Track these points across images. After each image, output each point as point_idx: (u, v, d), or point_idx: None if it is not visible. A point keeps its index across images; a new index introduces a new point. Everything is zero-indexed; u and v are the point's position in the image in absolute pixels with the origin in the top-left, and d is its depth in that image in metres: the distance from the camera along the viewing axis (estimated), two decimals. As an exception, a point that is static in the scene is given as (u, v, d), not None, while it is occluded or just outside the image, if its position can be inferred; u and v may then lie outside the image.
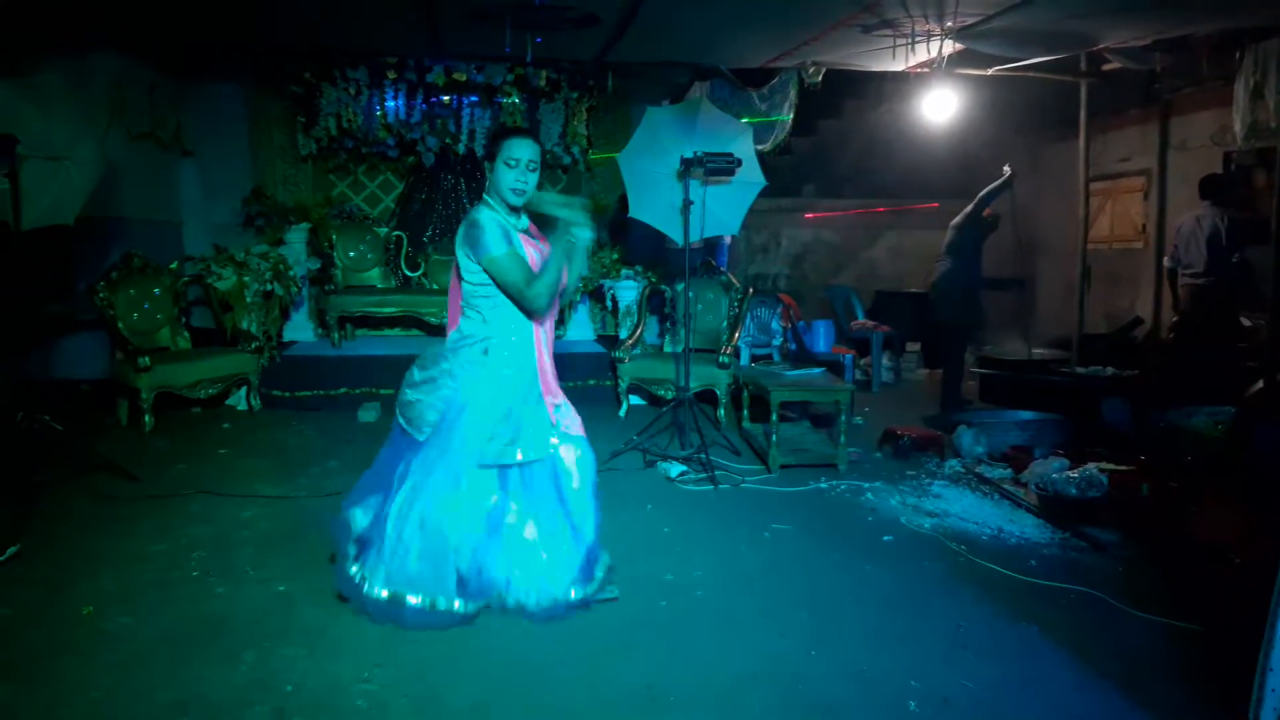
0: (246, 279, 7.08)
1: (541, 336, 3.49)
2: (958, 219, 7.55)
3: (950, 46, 6.57)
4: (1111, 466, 4.82)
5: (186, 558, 3.98)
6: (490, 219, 3.36)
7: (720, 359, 6.84)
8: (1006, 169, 7.57)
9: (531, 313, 3.40)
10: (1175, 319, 6.10)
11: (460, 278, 3.45)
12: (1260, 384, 4.97)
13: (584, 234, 3.37)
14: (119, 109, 7.04)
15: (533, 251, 3.44)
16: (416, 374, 3.55)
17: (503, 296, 3.37)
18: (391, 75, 7.96)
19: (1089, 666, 3.04)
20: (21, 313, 5.83)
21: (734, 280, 7.53)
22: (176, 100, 8.13)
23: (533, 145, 3.42)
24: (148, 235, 7.54)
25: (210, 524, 4.43)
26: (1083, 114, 8.21)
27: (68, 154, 5.38)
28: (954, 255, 7.44)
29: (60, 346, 7.19)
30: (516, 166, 3.36)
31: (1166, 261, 7.57)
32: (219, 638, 3.20)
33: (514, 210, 3.45)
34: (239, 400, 7.07)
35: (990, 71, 7.47)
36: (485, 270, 3.33)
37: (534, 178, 3.41)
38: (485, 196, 3.47)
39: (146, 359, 6.26)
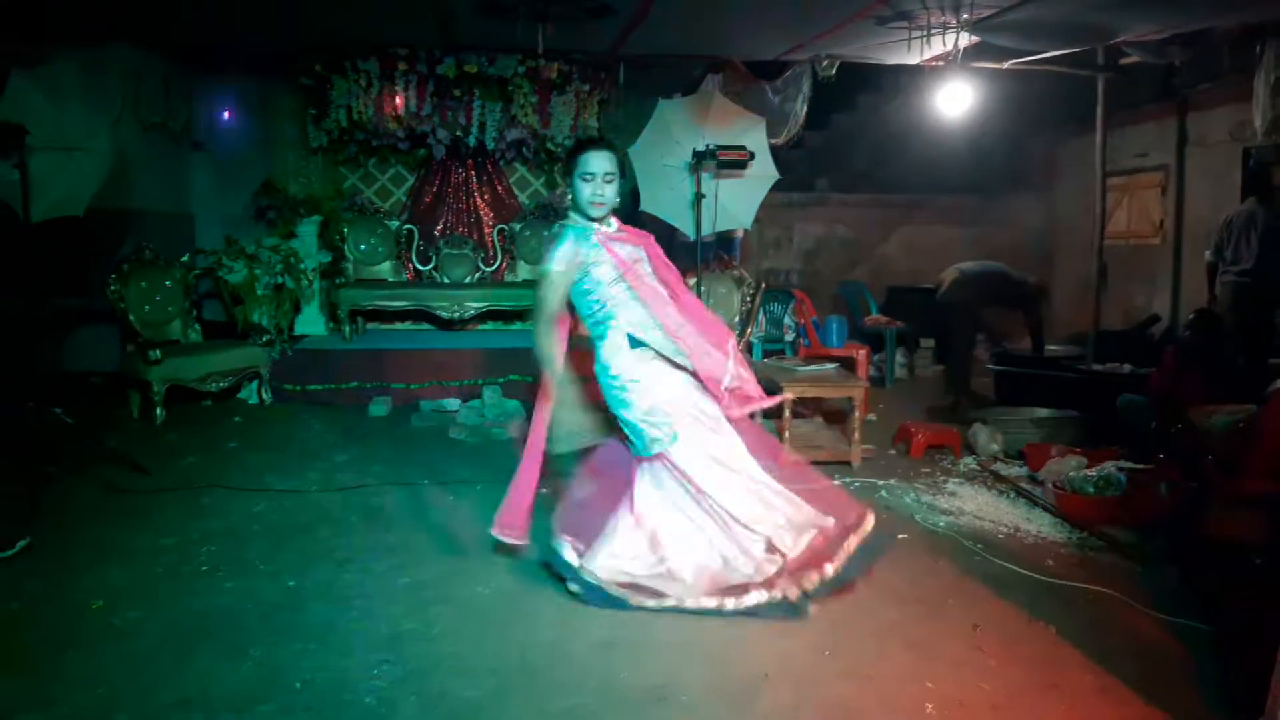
0: (258, 272, 7.07)
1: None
2: (972, 268, 7.45)
3: (966, 39, 6.50)
4: (1130, 465, 4.75)
5: (196, 551, 3.96)
6: (566, 235, 3.45)
7: (732, 354, 6.78)
8: (1034, 279, 7.63)
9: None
10: (1191, 316, 5.98)
11: None
12: (1280, 382, 4.89)
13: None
14: (132, 100, 7.03)
15: (620, 250, 3.47)
16: None
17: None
18: (402, 67, 7.92)
19: (1108, 669, 2.99)
20: (33, 305, 5.81)
21: (746, 275, 7.48)
22: (188, 92, 8.12)
23: (608, 157, 3.46)
24: (159, 228, 7.53)
25: (221, 517, 4.42)
26: (1099, 109, 8.13)
27: (79, 145, 5.35)
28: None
29: (72, 339, 7.19)
30: (593, 180, 3.43)
31: (1208, 256, 7.34)
32: (227, 633, 3.19)
33: (594, 220, 3.50)
34: (250, 394, 7.07)
35: (1006, 65, 7.38)
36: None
37: (612, 189, 3.45)
38: (569, 212, 3.57)
39: (157, 352, 6.25)
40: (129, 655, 3.02)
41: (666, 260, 3.64)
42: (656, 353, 3.50)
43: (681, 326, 3.51)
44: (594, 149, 3.48)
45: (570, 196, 3.51)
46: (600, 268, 3.46)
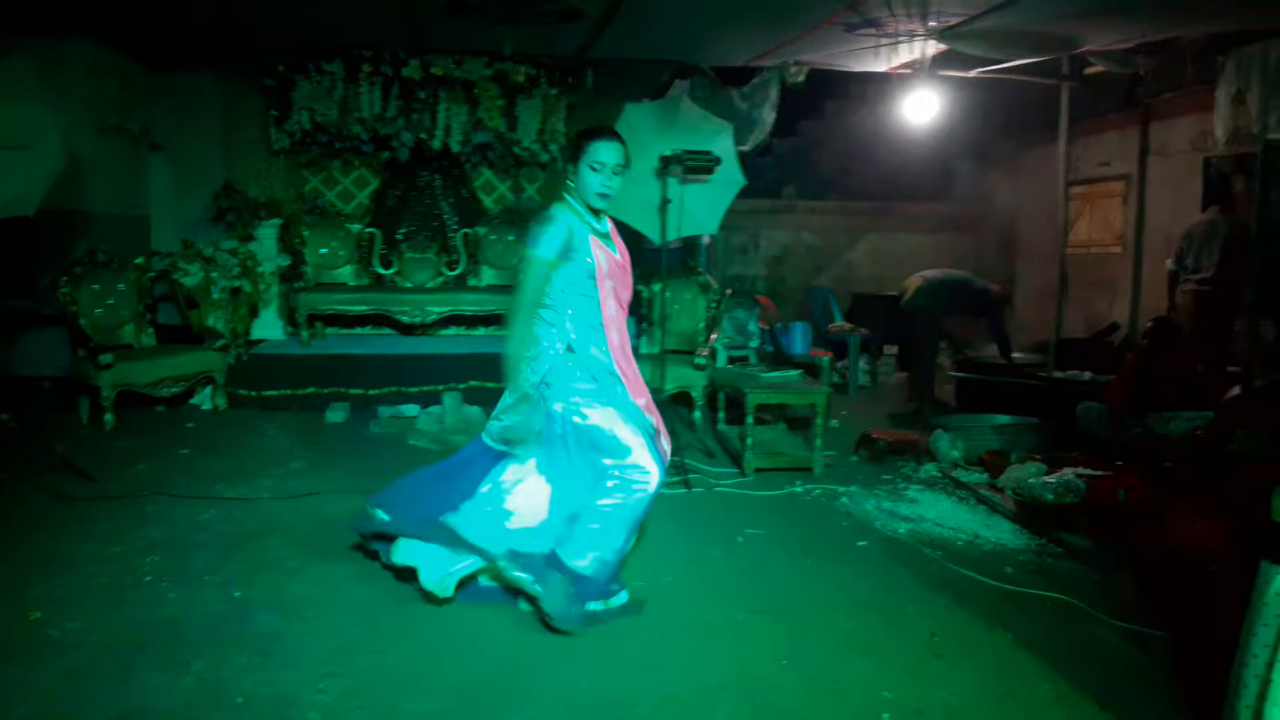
0: (214, 275, 6.95)
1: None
2: (936, 276, 7.47)
3: (934, 47, 6.53)
4: (1089, 472, 4.76)
5: (141, 561, 3.85)
6: (561, 219, 3.32)
7: (696, 360, 6.75)
8: (995, 286, 7.64)
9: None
10: (1149, 323, 6.03)
11: None
12: (1237, 390, 4.93)
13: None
14: (89, 100, 6.88)
15: (601, 255, 3.38)
16: None
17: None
18: (367, 68, 7.84)
19: (1065, 677, 2.97)
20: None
21: (712, 281, 7.46)
22: (148, 92, 7.97)
23: (620, 148, 3.34)
24: (114, 230, 7.38)
25: (168, 526, 4.30)
26: (1063, 118, 8.19)
27: (31, 144, 5.23)
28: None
29: (22, 342, 7.02)
30: (602, 170, 3.31)
31: (1170, 264, 7.41)
32: (169, 645, 3.09)
33: (595, 212, 3.41)
34: (204, 399, 6.93)
35: (973, 73, 7.43)
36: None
37: (619, 181, 3.35)
38: (565, 195, 3.42)
39: (108, 356, 6.12)
40: (67, 668, 2.92)
41: (629, 282, 3.58)
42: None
43: (624, 354, 3.49)
44: (606, 138, 3.35)
45: (573, 182, 3.38)
46: (577, 263, 3.36)
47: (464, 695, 2.80)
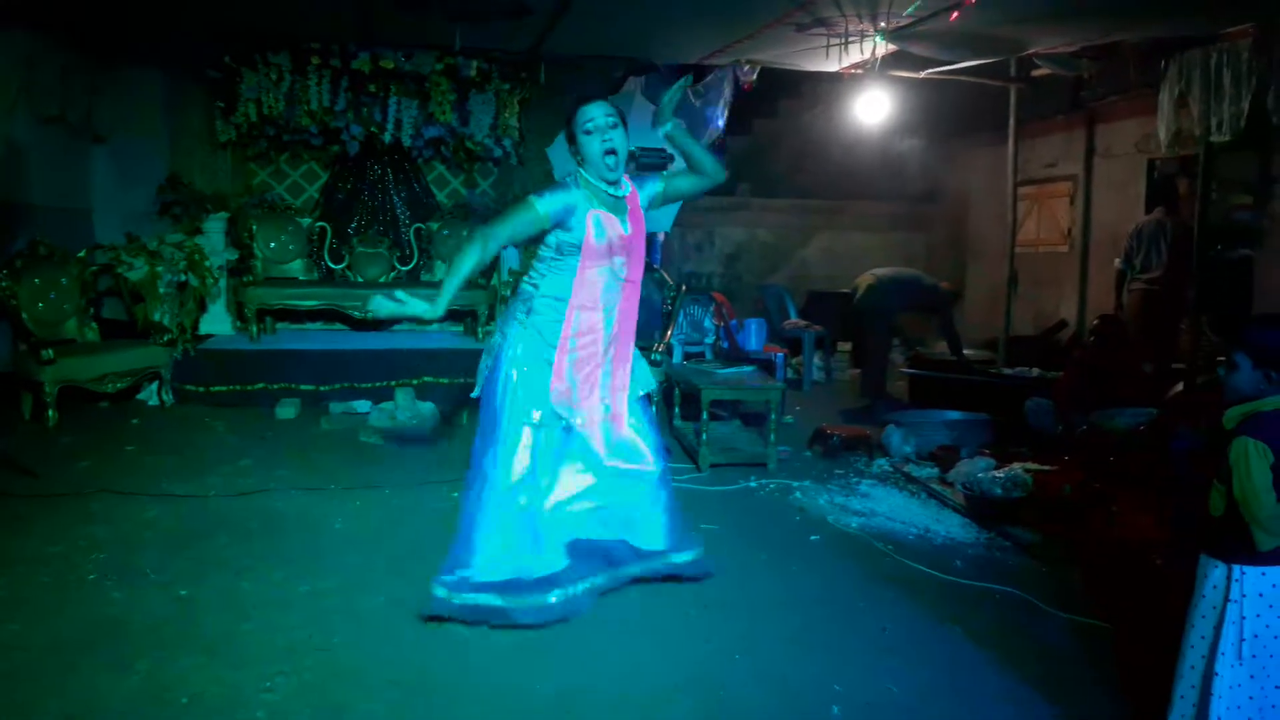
0: (159, 269, 6.79)
1: None
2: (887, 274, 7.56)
3: (883, 48, 6.59)
4: (1036, 467, 4.85)
5: (84, 560, 3.77)
6: (573, 192, 3.24)
7: (652, 356, 6.76)
8: (945, 284, 7.76)
9: None
10: (1095, 321, 6.15)
11: None
12: (1180, 386, 5.05)
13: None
14: (25, 89, 6.70)
15: (601, 229, 3.25)
16: None
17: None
18: (315, 61, 7.72)
19: (1013, 670, 3.02)
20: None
21: (667, 278, 7.47)
22: (89, 83, 7.76)
23: (604, 104, 3.26)
24: (56, 223, 7.18)
25: (112, 524, 4.21)
26: (1011, 119, 8.32)
27: (-36, 133, 5.09)
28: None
29: (-42, 337, 6.82)
30: (597, 130, 3.21)
31: (1118, 263, 7.55)
32: (113, 645, 3.03)
33: (612, 183, 3.30)
34: (150, 395, 6.79)
35: (922, 74, 7.51)
36: None
37: (617, 134, 3.22)
38: (579, 172, 3.31)
39: (50, 351, 5.96)
40: (6, 671, 2.84)
41: (639, 260, 3.44)
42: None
43: (596, 340, 3.39)
44: (588, 101, 3.27)
45: (578, 161, 3.29)
46: (569, 235, 3.25)
47: (415, 694, 2.77)
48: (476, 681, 2.86)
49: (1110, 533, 4.28)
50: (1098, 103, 8.90)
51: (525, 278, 3.44)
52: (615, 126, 3.23)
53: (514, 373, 3.29)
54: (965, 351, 7.97)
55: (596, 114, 3.22)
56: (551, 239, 3.28)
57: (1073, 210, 9.49)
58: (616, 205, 3.33)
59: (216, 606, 3.35)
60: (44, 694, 2.71)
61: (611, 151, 3.22)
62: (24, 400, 6.18)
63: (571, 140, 3.29)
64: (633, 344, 3.53)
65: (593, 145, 3.22)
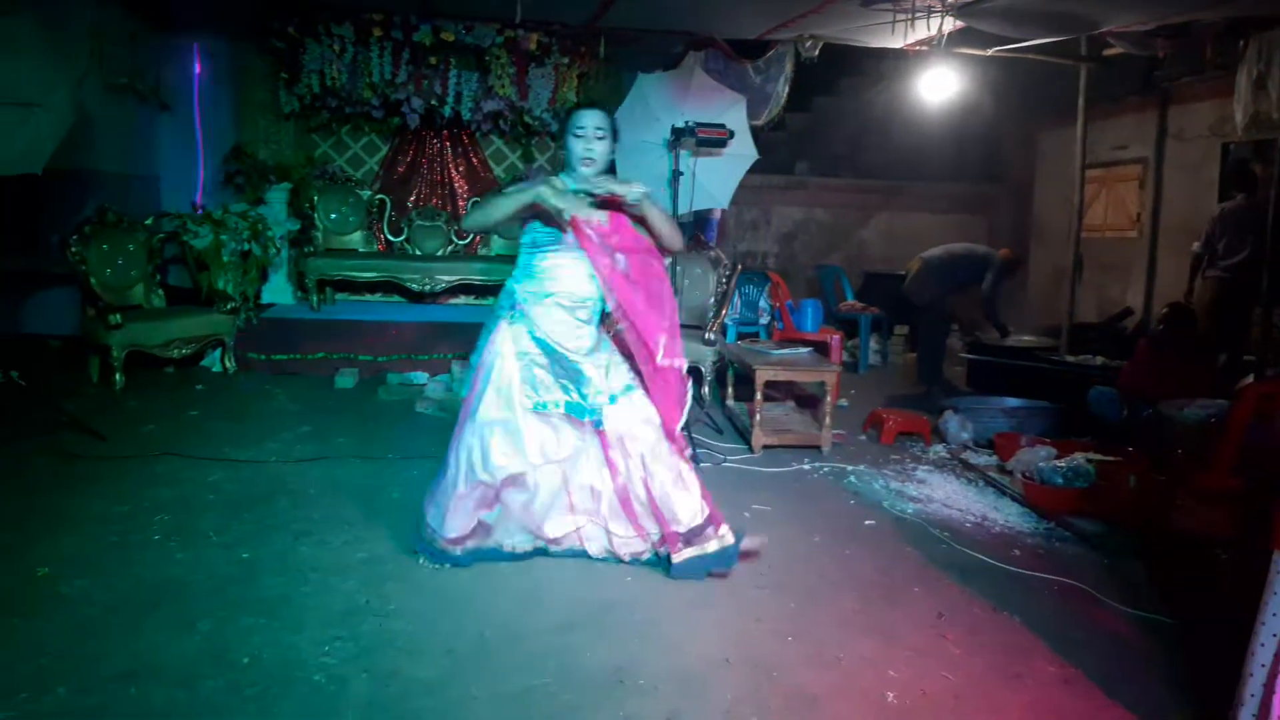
0: (224, 238, 6.92)
1: None
2: (935, 255, 7.38)
3: (951, 24, 6.43)
4: (1099, 457, 4.73)
5: (149, 521, 3.86)
6: (553, 182, 3.41)
7: (706, 336, 6.72)
8: (1002, 251, 7.49)
9: None
10: (1165, 309, 5.97)
11: None
12: (1252, 378, 4.90)
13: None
14: (97, 58, 6.82)
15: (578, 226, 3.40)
16: None
17: None
18: (377, 33, 7.76)
19: (1072, 661, 2.96)
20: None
21: (723, 256, 7.41)
22: (158, 52, 7.91)
23: (599, 114, 3.49)
24: (124, 190, 7.34)
25: (176, 486, 4.31)
26: (1081, 99, 8.08)
27: (38, 101, 5.18)
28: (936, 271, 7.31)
29: (30, 300, 7.01)
30: (583, 136, 3.43)
31: (1196, 247, 7.32)
32: (176, 604, 3.10)
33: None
34: (214, 361, 6.94)
35: (990, 52, 7.33)
36: None
37: (601, 145, 3.45)
38: (562, 175, 3.54)
39: (118, 316, 6.11)
40: (74, 625, 2.93)
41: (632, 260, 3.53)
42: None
43: (579, 342, 3.56)
44: (584, 108, 3.55)
45: (565, 158, 3.54)
46: (545, 228, 3.49)
47: (469, 662, 2.80)
48: (530, 651, 2.88)
49: (1175, 526, 4.18)
50: (1171, 84, 8.63)
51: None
52: (601, 138, 3.44)
53: None
54: (1025, 338, 7.80)
55: (586, 122, 3.45)
56: (529, 232, 3.55)
57: (1142, 195, 9.23)
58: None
59: (276, 569, 3.41)
60: (109, 649, 2.78)
61: (589, 160, 3.44)
62: (92, 364, 6.35)
63: (562, 136, 3.56)
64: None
65: (575, 148, 3.45)
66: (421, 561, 3.51)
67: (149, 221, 7.00)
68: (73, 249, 6.28)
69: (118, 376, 6.12)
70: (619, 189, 3.39)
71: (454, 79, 8.10)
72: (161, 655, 2.76)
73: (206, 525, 3.83)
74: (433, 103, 8.15)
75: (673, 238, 3.58)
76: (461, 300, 8.51)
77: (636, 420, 3.46)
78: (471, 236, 8.70)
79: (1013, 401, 6.17)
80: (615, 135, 3.56)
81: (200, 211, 7.27)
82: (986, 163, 11.08)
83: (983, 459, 5.38)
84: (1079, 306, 8.55)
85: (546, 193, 3.33)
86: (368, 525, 3.90)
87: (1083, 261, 8.51)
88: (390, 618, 3.06)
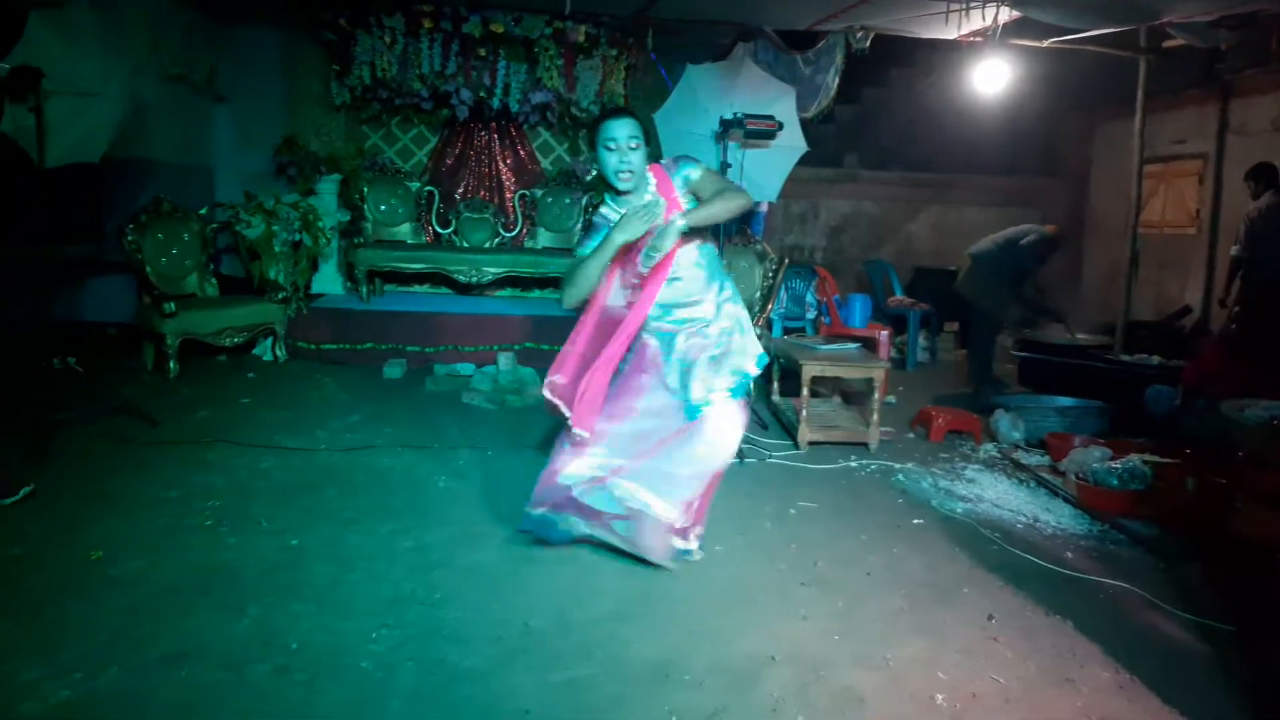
0: (275, 228, 6.99)
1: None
2: (981, 249, 7.20)
3: (1006, 14, 6.32)
4: (1156, 459, 4.62)
5: (201, 506, 3.92)
6: (601, 220, 3.37)
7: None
8: (1049, 228, 7.19)
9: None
10: (1236, 309, 5.80)
11: None
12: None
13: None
14: (153, 48, 6.93)
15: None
16: None
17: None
18: (428, 24, 7.80)
19: (1126, 666, 2.89)
20: (47, 252, 5.78)
21: (769, 250, 7.33)
22: (212, 43, 8.02)
23: (630, 122, 3.34)
24: (178, 180, 7.47)
25: (227, 473, 4.37)
26: (1140, 92, 7.90)
27: (96, 90, 5.27)
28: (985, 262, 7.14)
29: (87, 288, 7.15)
30: (616, 148, 3.30)
31: (1235, 250, 7.14)
32: (226, 589, 3.14)
33: (623, 194, 3.40)
34: (264, 350, 7.03)
35: (1046, 43, 7.18)
36: None
37: (637, 155, 3.32)
38: (605, 196, 3.51)
39: (172, 304, 6.21)
40: (127, 607, 2.98)
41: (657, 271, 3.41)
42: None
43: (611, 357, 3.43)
44: (613, 116, 3.37)
45: (598, 170, 3.48)
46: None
47: (516, 651, 2.80)
48: (576, 641, 2.88)
49: (1234, 530, 4.06)
50: (1234, 76, 8.41)
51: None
52: (635, 148, 3.31)
53: None
54: (1079, 336, 7.64)
55: (618, 133, 3.30)
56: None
57: (1201, 190, 9.01)
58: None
59: (325, 556, 3.44)
60: (161, 631, 2.82)
61: (625, 174, 3.32)
62: (147, 351, 6.46)
63: (594, 149, 3.44)
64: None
65: (609, 161, 3.33)
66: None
67: (203, 211, 7.11)
68: (129, 238, 6.40)
69: (171, 364, 6.23)
70: (671, 233, 3.24)
71: (502, 71, 8.11)
72: (211, 638, 2.79)
73: (257, 511, 3.87)
74: (481, 94, 8.17)
75: (736, 207, 3.38)
76: (508, 292, 8.53)
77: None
78: (519, 228, 8.72)
79: (1066, 400, 6.04)
80: (649, 140, 3.45)
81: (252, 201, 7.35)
82: (1040, 156, 10.88)
83: (1034, 459, 5.28)
84: (1135, 304, 8.37)
85: (623, 238, 3.21)
86: (415, 514, 3.92)
87: (1139, 258, 8.32)
88: (437, 606, 3.08)
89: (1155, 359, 6.67)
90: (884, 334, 7.77)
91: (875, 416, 5.42)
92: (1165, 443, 5.07)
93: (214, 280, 7.09)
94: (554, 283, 8.42)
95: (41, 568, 3.25)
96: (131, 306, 6.83)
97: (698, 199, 3.39)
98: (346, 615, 2.98)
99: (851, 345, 5.94)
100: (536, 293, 8.48)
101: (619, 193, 3.40)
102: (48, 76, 4.78)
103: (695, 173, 3.42)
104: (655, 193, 3.40)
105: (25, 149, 4.92)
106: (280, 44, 8.38)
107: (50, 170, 5.06)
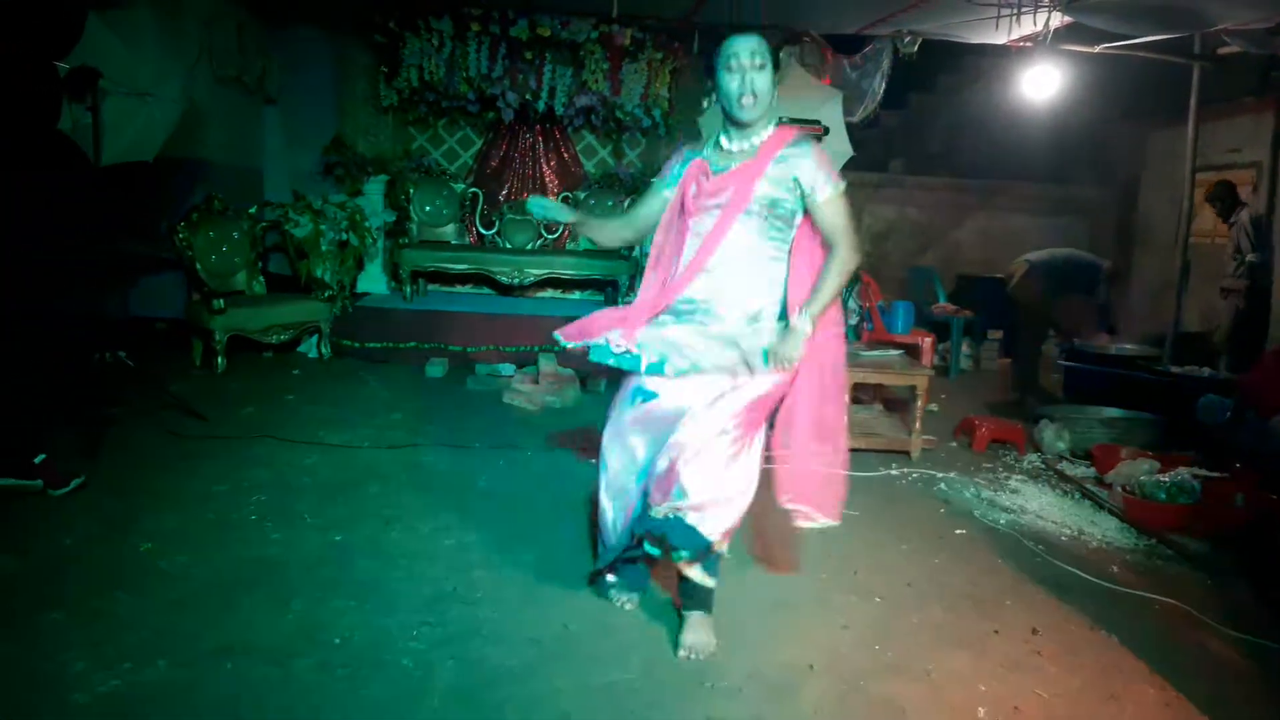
0: (323, 227, 7.09)
1: None
2: (1040, 258, 7.14)
3: (1058, 19, 6.24)
4: (1205, 473, 4.53)
5: (247, 501, 3.98)
6: (688, 151, 3.02)
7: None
8: (1107, 264, 7.27)
9: None
10: None
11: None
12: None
13: None
14: (207, 50, 7.06)
15: (691, 185, 2.93)
16: None
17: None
18: (475, 27, 7.86)
19: (1172, 683, 2.84)
20: (102, 249, 5.90)
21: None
22: (263, 46, 8.15)
23: (754, 38, 2.81)
24: (229, 179, 7.59)
25: (273, 468, 4.43)
26: (1193, 100, 7.75)
27: (152, 91, 5.38)
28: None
29: (139, 284, 7.29)
30: (738, 68, 2.78)
31: (1254, 258, 7.04)
32: (271, 584, 3.18)
33: (742, 125, 2.87)
34: (310, 348, 7.12)
35: (1098, 49, 7.07)
36: None
37: (762, 77, 2.79)
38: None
39: (221, 301, 6.32)
40: (174, 600, 3.03)
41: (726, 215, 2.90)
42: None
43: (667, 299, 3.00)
44: (737, 34, 2.84)
45: (712, 102, 3.20)
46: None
47: (554, 653, 2.82)
48: (615, 644, 2.89)
49: (1286, 548, 3.98)
50: (1292, 84, 8.22)
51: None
52: (762, 67, 2.80)
53: None
54: (1126, 346, 7.51)
55: (740, 48, 2.79)
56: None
57: (1256, 200, 8.81)
58: (726, 155, 2.93)
59: (367, 553, 3.48)
60: (206, 625, 2.87)
61: (749, 97, 2.80)
62: (195, 347, 6.57)
63: (711, 77, 2.92)
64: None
65: (729, 85, 2.81)
66: None
67: (253, 210, 7.22)
68: (180, 235, 6.51)
69: (219, 360, 6.33)
70: (799, 340, 2.82)
71: (548, 73, 8.16)
72: (256, 632, 2.84)
73: (301, 507, 3.93)
74: (527, 97, 8.22)
75: (849, 275, 2.96)
76: (549, 294, 8.58)
77: None
78: (560, 231, 8.75)
79: (1112, 412, 5.94)
80: (776, 62, 2.88)
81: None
82: (1090, 164, 10.70)
83: (1079, 470, 5.20)
84: (1185, 315, 8.21)
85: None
86: (456, 513, 3.95)
87: (1190, 269, 8.17)
88: (477, 605, 3.10)
89: (1205, 371, 6.54)
90: (927, 341, 7.69)
91: (918, 424, 5.37)
92: (1216, 456, 4.96)
93: (262, 278, 7.20)
94: (595, 284, 8.46)
95: (91, 559, 3.31)
96: (179, 302, 6.96)
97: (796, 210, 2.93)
98: (388, 612, 3.01)
99: (894, 352, 5.89)
100: (577, 294, 8.52)
101: (738, 124, 2.87)
102: (105, 76, 4.89)
103: (825, 188, 2.89)
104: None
105: (82, 147, 5.03)
106: (330, 46, 8.48)
107: (110, 168, 5.17)
